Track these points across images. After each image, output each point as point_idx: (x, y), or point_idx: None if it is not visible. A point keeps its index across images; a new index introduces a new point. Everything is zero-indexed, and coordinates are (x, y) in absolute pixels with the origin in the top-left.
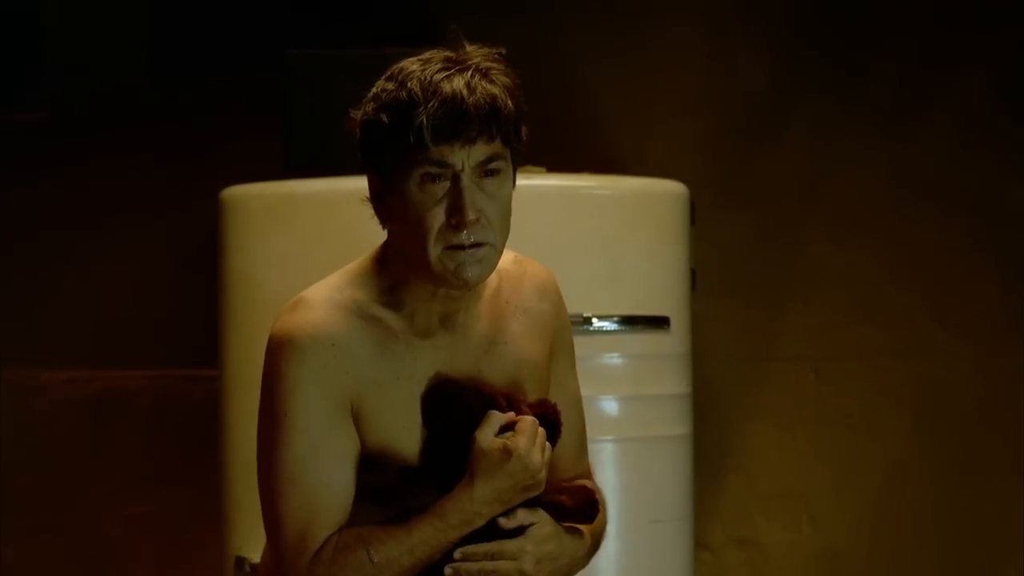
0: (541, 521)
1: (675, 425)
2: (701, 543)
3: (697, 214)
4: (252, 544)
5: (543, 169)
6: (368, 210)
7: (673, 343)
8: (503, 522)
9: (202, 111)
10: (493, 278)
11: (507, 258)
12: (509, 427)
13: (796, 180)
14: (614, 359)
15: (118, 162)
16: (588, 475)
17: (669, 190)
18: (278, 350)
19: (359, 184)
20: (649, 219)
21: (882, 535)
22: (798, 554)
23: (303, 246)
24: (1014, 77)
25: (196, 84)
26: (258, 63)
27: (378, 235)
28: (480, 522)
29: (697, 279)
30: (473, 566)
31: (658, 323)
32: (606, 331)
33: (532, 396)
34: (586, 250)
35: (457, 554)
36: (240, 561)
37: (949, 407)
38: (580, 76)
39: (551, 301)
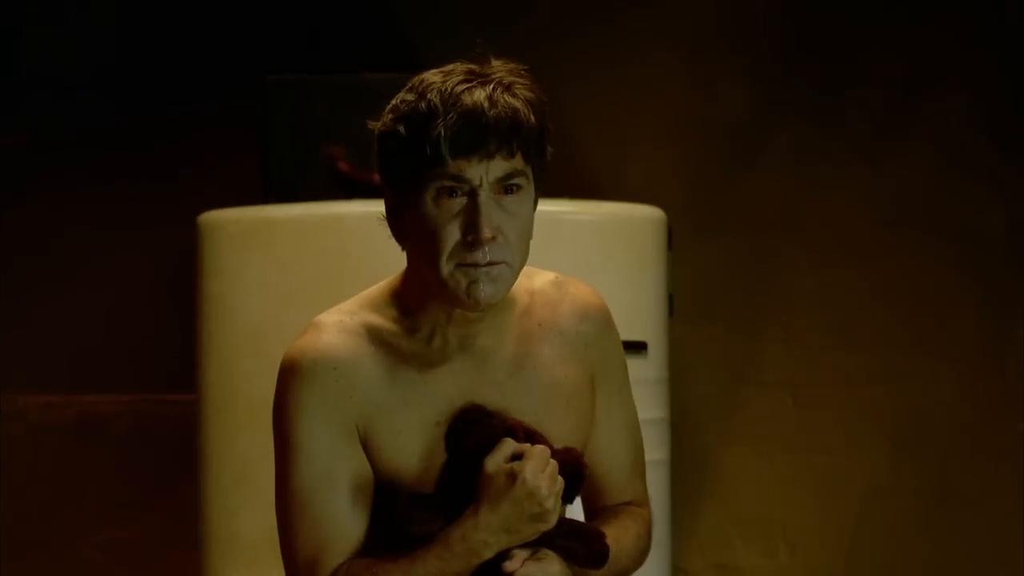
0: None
1: (653, 450)
2: (680, 568)
3: (675, 239)
4: (229, 569)
5: None
6: (345, 235)
7: (651, 368)
8: (506, 566)
9: (180, 135)
10: (523, 299)
11: (546, 279)
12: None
13: (775, 205)
14: None
15: (95, 186)
16: (641, 501)
17: (647, 215)
18: (283, 375)
19: (337, 209)
20: (627, 244)
21: (861, 561)
22: None
23: (281, 271)
24: (994, 101)
25: (174, 108)
26: (237, 88)
27: (360, 261)
28: (488, 553)
29: (675, 304)
30: None
31: (636, 348)
32: None
33: (566, 421)
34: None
35: None
36: None
37: (928, 432)
38: (558, 100)
39: (593, 323)
